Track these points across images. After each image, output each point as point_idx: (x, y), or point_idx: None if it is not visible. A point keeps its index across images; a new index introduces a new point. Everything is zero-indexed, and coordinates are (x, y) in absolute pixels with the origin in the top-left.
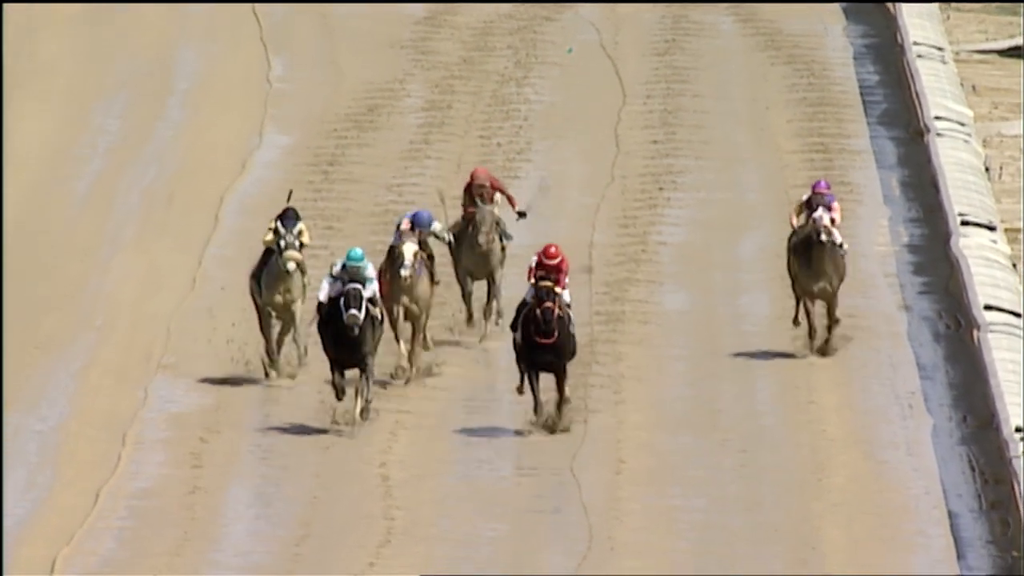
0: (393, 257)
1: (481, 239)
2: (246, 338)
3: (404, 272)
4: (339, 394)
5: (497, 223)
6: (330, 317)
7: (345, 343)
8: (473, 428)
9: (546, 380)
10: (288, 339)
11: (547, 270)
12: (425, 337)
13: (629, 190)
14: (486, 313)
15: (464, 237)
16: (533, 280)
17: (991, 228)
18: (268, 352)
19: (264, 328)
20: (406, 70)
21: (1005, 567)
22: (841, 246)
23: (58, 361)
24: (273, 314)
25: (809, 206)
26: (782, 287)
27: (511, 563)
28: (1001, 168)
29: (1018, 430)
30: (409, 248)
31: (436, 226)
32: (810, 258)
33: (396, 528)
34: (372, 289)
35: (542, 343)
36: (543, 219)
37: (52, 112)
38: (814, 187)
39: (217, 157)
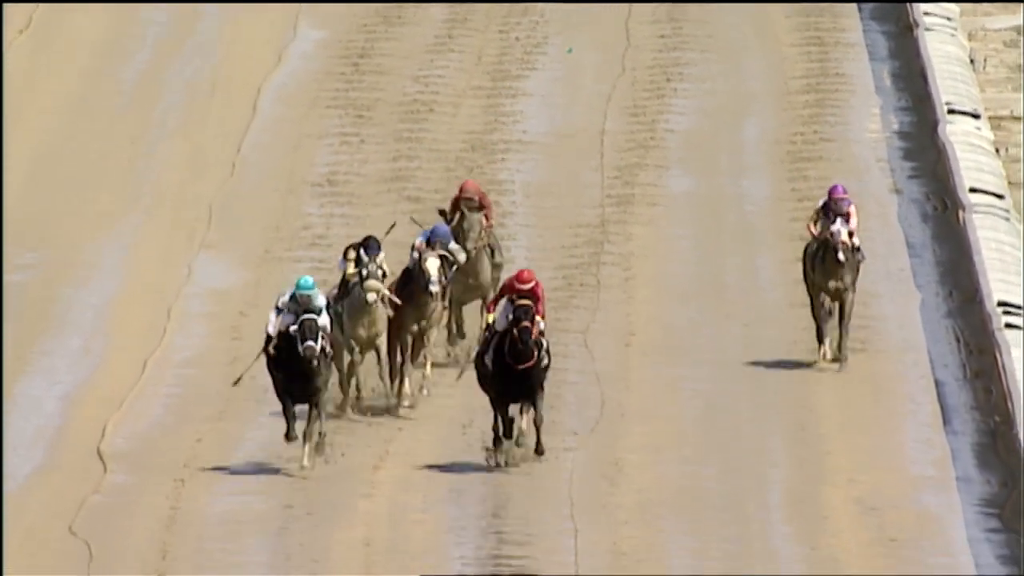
0: (411, 278)
1: (469, 245)
2: (281, 218)
3: (434, 288)
4: (290, 432)
5: (489, 244)
6: (280, 350)
7: (298, 376)
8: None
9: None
10: (370, 370)
11: (520, 295)
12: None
13: (639, 81)
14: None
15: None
16: (495, 307)
17: (975, 116)
18: (341, 384)
19: (338, 361)
20: None
21: (988, 432)
22: (859, 250)
23: (109, 239)
24: (356, 348)
25: (826, 212)
26: (781, 171)
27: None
28: (985, 60)
29: (1000, 304)
30: (433, 263)
31: (452, 245)
32: (825, 261)
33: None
34: (324, 319)
35: (517, 369)
36: (559, 107)
37: (104, 9)
38: (831, 192)
39: (255, 50)
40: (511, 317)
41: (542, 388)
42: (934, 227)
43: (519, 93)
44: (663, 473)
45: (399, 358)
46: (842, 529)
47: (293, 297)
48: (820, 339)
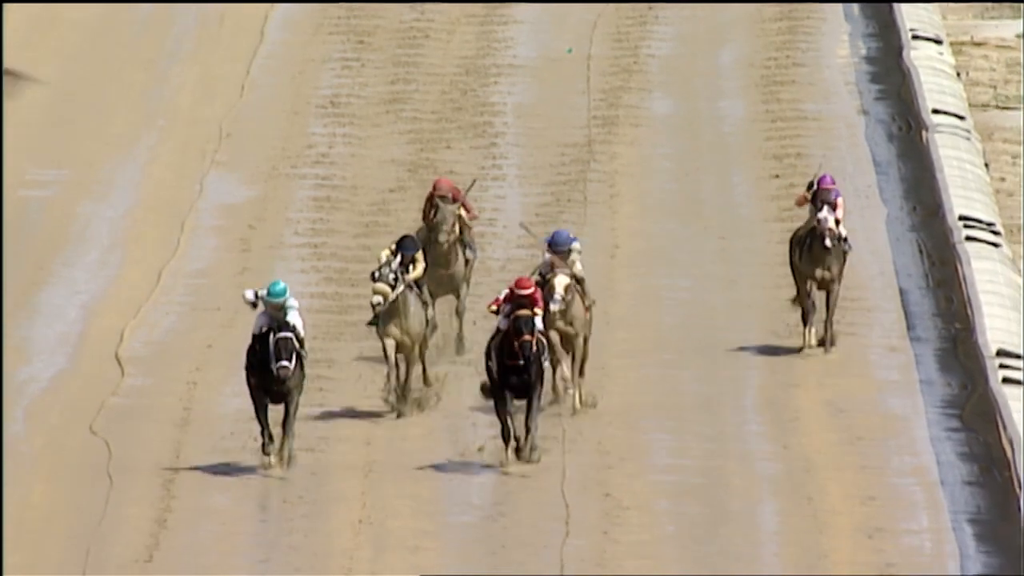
0: (543, 287)
1: (441, 237)
2: (287, 138)
3: (554, 306)
4: (266, 446)
5: (461, 236)
6: (255, 353)
7: (272, 377)
8: None
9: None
10: (410, 378)
11: (520, 301)
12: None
13: (622, 8)
14: (458, 339)
15: (427, 246)
16: (498, 308)
17: (938, 42)
18: (392, 388)
19: (386, 359)
20: None
21: (949, 338)
22: (845, 240)
23: (125, 157)
24: (393, 346)
25: (814, 201)
26: (756, 93)
27: None
28: None
29: (961, 218)
30: (561, 281)
31: (576, 245)
32: (812, 249)
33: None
34: (297, 321)
35: (514, 364)
36: (549, 34)
37: None
38: (819, 182)
39: None
40: (511, 327)
41: (541, 384)
42: (899, 146)
43: (510, 20)
44: (645, 376)
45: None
46: (812, 429)
47: (264, 301)
48: (805, 322)
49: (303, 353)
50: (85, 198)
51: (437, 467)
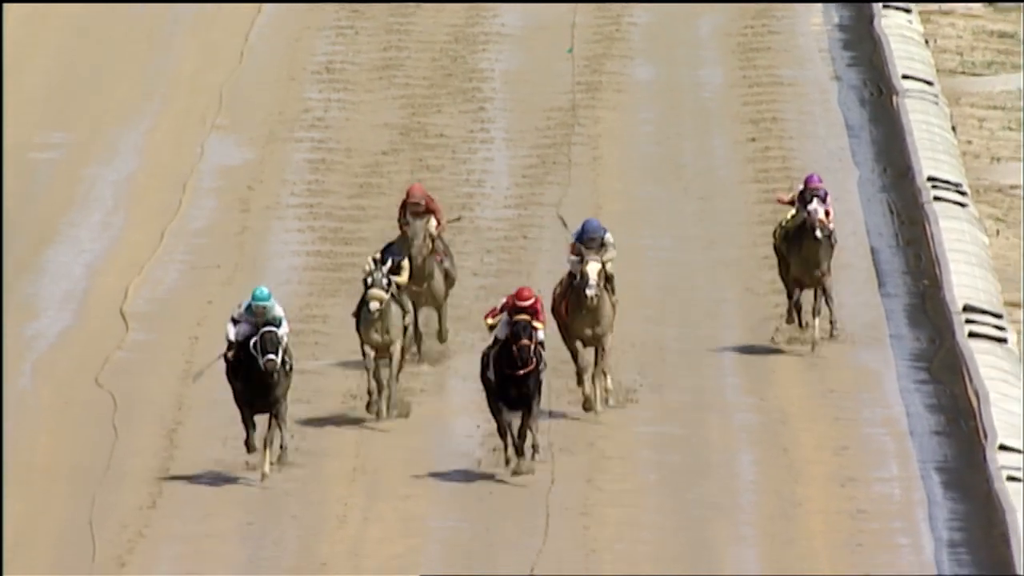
0: (572, 282)
1: (414, 251)
2: (284, 103)
3: (589, 292)
4: (250, 441)
5: (435, 250)
6: (239, 361)
7: (258, 387)
8: None
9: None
10: (392, 380)
11: (520, 312)
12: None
13: None
14: (438, 336)
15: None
16: (495, 318)
17: (907, 10)
18: (369, 391)
19: (366, 364)
20: None
21: (918, 294)
22: (831, 234)
23: (129, 123)
24: (374, 352)
25: (802, 199)
26: (734, 60)
27: (504, 291)
28: None
29: (929, 179)
30: (593, 267)
31: (608, 237)
32: (802, 247)
33: None
34: (284, 329)
35: (514, 375)
36: (535, 4)
37: None
38: (807, 181)
39: None
40: (510, 333)
41: (539, 394)
42: (870, 110)
43: None
44: (628, 332)
45: (577, 363)
46: (787, 382)
47: (249, 308)
48: (791, 310)
49: (289, 358)
50: (90, 161)
51: (428, 420)
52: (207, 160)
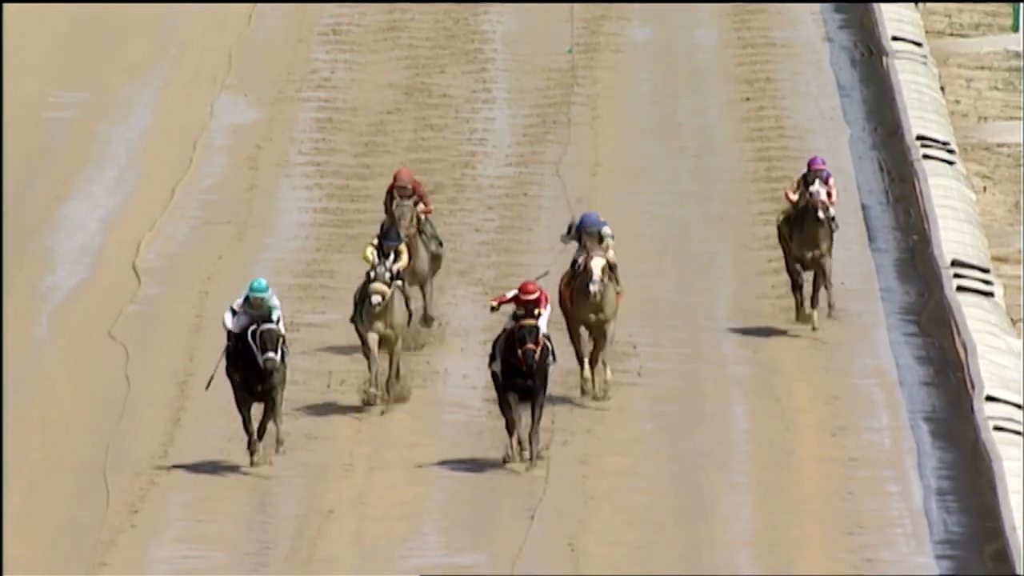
0: (576, 271)
1: (401, 232)
2: (292, 63)
3: (593, 288)
4: (252, 446)
5: (422, 230)
6: (238, 352)
7: (255, 375)
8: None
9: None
10: (393, 372)
11: (526, 306)
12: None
13: None
14: (423, 321)
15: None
16: (498, 305)
17: None
18: (371, 381)
19: (366, 355)
20: None
21: (907, 248)
22: (834, 219)
23: (142, 82)
24: (376, 340)
25: (805, 182)
26: (728, 22)
27: (505, 247)
28: None
29: (918, 138)
30: (598, 263)
31: (606, 230)
32: (803, 228)
33: None
34: (277, 314)
35: (521, 367)
36: None
37: None
38: (810, 164)
39: None
40: (515, 335)
41: (545, 388)
42: (861, 71)
43: None
44: (626, 286)
45: (578, 348)
46: (780, 334)
47: (247, 299)
48: (798, 290)
49: (286, 349)
50: (104, 120)
51: (433, 371)
52: (217, 119)
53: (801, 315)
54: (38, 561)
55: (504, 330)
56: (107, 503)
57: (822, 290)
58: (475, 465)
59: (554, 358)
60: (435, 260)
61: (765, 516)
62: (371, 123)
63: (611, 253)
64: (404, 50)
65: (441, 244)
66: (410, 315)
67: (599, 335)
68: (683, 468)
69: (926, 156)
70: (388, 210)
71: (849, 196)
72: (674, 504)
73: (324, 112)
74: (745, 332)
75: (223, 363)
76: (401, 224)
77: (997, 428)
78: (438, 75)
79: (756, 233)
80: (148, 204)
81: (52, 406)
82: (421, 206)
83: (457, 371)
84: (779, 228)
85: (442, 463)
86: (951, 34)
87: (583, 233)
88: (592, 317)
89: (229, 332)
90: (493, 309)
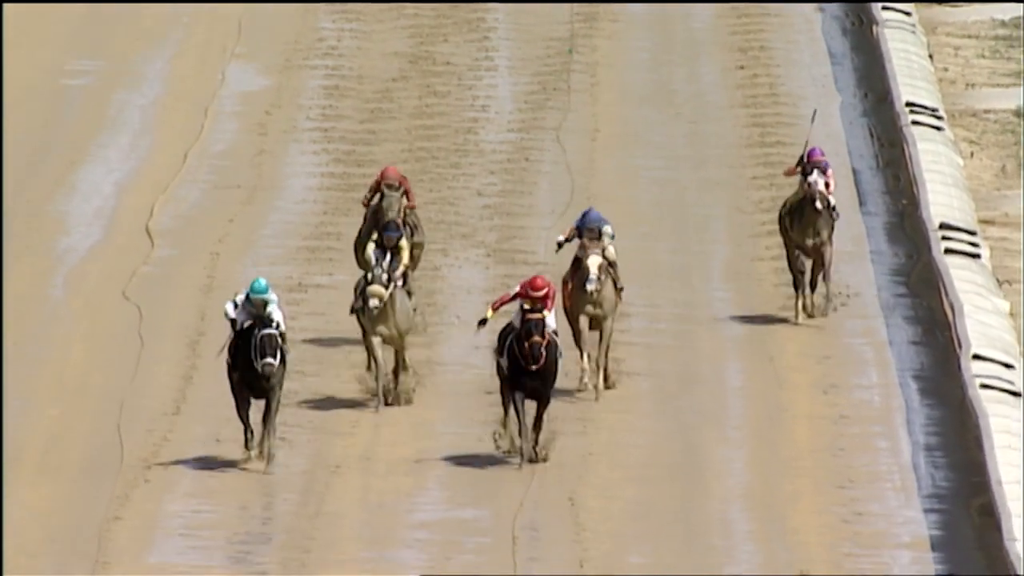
0: (577, 268)
1: (394, 217)
2: (300, 32)
3: (590, 286)
4: (249, 444)
5: (408, 223)
6: (238, 349)
7: (254, 376)
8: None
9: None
10: (400, 366)
11: (533, 301)
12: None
13: None
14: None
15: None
16: (498, 308)
17: None
18: (376, 379)
19: (372, 355)
20: None
21: (897, 212)
22: (833, 208)
23: (154, 50)
24: (379, 341)
25: (804, 173)
26: None
27: (506, 210)
28: None
29: (907, 104)
30: (595, 261)
31: (607, 228)
32: (803, 216)
33: None
34: (278, 316)
35: (529, 369)
36: None
37: None
38: (809, 155)
39: None
40: (522, 328)
41: (552, 384)
42: (852, 39)
43: None
44: (624, 248)
45: (579, 342)
46: (773, 295)
47: (247, 298)
48: (796, 288)
49: (286, 349)
50: (118, 87)
51: (436, 331)
52: (228, 86)
53: (800, 315)
54: (54, 514)
55: (511, 325)
56: (121, 459)
57: (820, 282)
58: (478, 422)
59: (560, 355)
60: (418, 247)
61: (758, 471)
62: (377, 90)
63: (611, 251)
64: (409, 19)
65: (423, 233)
66: (414, 309)
67: (598, 330)
68: (679, 425)
69: (915, 122)
70: (365, 204)
71: (841, 161)
72: (670, 460)
73: (331, 79)
74: (739, 292)
75: (229, 342)
76: (389, 214)
77: (984, 386)
78: (442, 44)
79: (750, 197)
80: (161, 169)
81: (68, 365)
82: (406, 200)
83: (460, 332)
84: (781, 219)
85: (446, 420)
86: (939, 3)
87: (584, 230)
88: (591, 310)
89: (232, 322)
90: (482, 323)
